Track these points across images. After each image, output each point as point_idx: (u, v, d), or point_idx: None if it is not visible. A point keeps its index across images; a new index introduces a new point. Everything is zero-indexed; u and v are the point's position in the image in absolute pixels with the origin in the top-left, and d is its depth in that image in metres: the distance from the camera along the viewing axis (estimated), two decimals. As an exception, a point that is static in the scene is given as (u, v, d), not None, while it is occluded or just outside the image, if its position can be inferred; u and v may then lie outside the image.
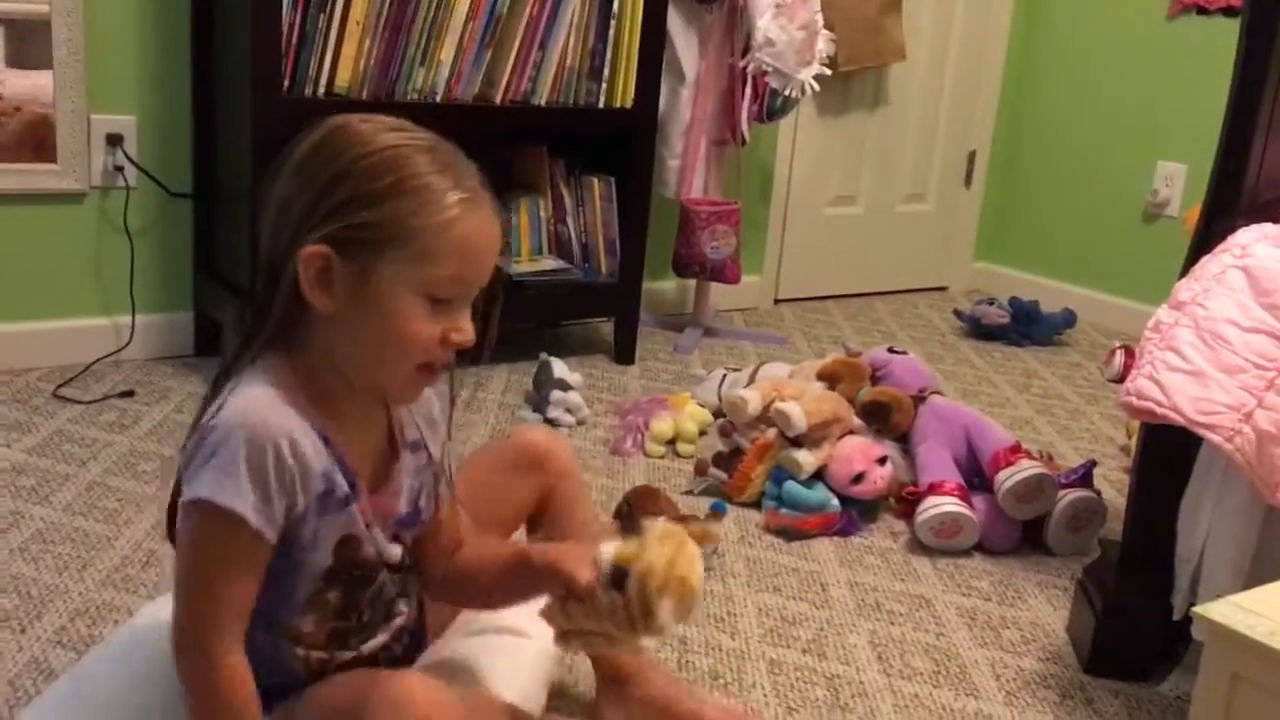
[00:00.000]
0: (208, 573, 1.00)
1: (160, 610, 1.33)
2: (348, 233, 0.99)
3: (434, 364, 1.06)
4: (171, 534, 1.07)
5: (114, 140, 2.43)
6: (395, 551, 1.15)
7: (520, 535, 1.39)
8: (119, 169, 2.44)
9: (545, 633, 1.18)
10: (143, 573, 1.68)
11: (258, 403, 1.00)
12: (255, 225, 2.20)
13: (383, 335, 1.02)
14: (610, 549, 1.11)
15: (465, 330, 1.05)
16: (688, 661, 1.59)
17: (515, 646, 1.28)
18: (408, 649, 1.22)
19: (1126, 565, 1.64)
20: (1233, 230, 1.50)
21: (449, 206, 1.00)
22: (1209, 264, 1.47)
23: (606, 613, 1.08)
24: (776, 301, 3.62)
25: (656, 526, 1.10)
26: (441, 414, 1.20)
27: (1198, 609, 1.06)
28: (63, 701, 1.19)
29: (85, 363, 2.44)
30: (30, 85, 2.37)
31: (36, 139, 2.36)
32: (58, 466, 1.99)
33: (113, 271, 2.49)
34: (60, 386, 2.33)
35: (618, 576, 1.08)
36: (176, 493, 1.04)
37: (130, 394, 2.34)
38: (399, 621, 1.19)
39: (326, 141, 1.02)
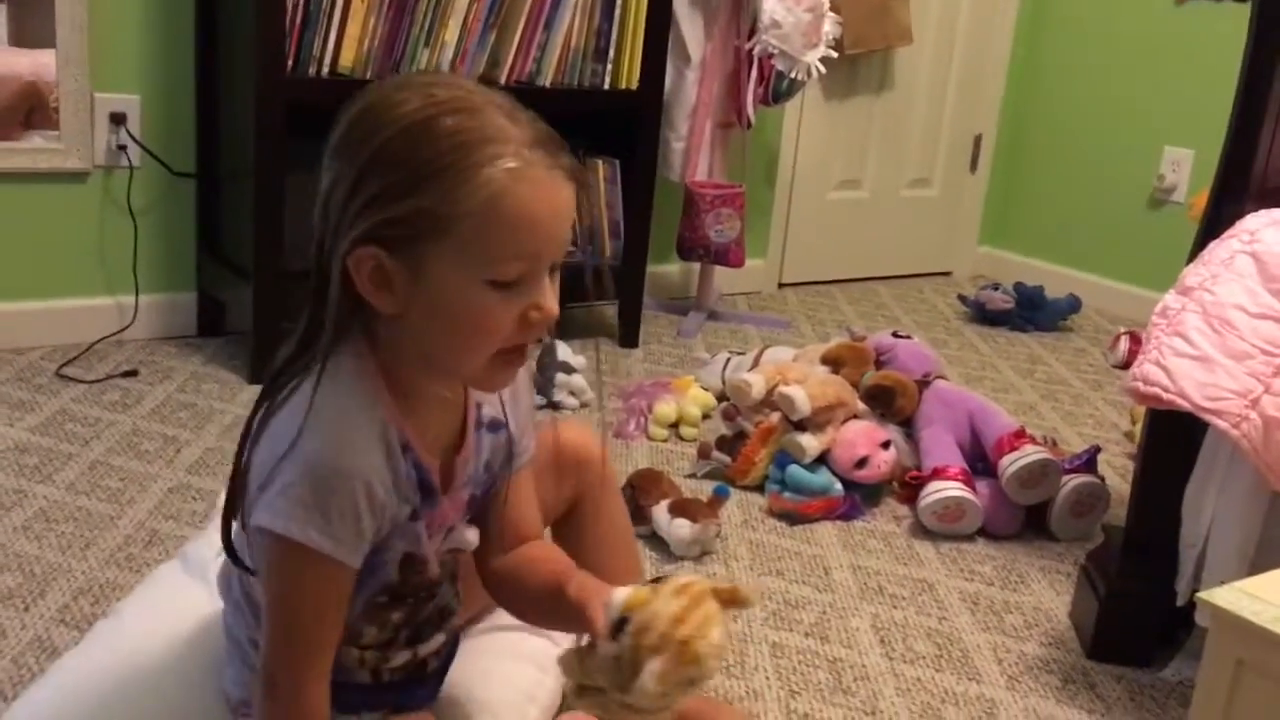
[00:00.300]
0: (302, 612, 0.96)
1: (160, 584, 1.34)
2: (389, 228, 0.90)
3: (516, 345, 0.96)
4: (229, 547, 1.03)
5: (117, 119, 2.42)
6: (472, 537, 1.10)
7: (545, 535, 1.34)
8: (122, 148, 2.43)
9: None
10: (145, 552, 1.68)
11: (343, 431, 0.94)
12: (260, 207, 2.24)
13: (454, 330, 0.93)
14: (624, 593, 0.99)
15: (546, 307, 0.94)
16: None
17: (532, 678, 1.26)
18: (450, 646, 1.20)
19: (1130, 550, 1.64)
20: (1241, 215, 1.49)
21: (485, 184, 0.89)
22: (1217, 249, 1.47)
23: (600, 665, 0.97)
24: (780, 286, 3.61)
25: (678, 578, 0.99)
26: (528, 395, 1.14)
27: (1202, 594, 1.05)
28: (70, 678, 1.19)
29: (88, 342, 2.44)
30: (31, 63, 2.36)
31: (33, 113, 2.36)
32: (60, 445, 1.99)
33: (116, 251, 2.48)
34: (63, 366, 2.33)
35: (619, 624, 0.97)
36: (231, 508, 1.00)
37: (133, 373, 2.34)
38: (455, 622, 1.17)
39: (356, 123, 0.92)
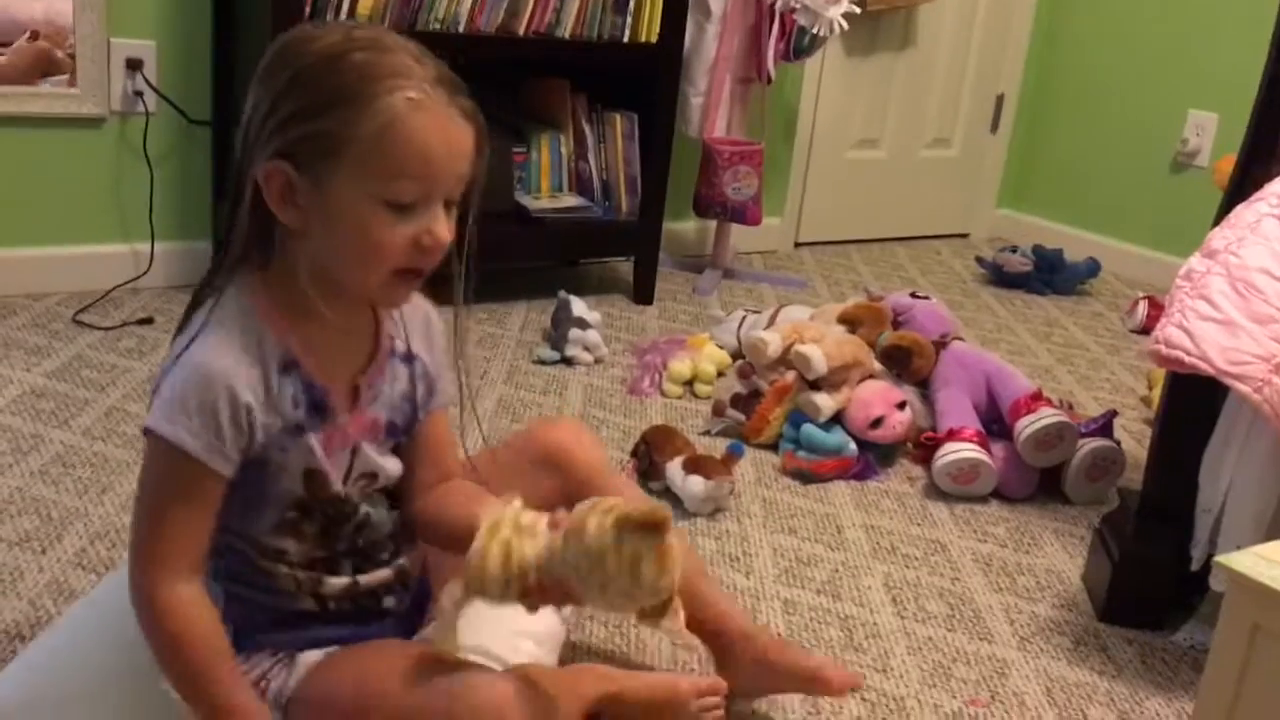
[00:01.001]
0: (152, 502, 1.02)
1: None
2: (297, 146, 0.98)
3: (412, 269, 1.03)
4: None
5: (134, 65, 2.41)
6: (392, 466, 1.14)
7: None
8: (138, 94, 2.42)
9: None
10: (162, 498, 1.69)
11: (220, 341, 1.01)
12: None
13: (351, 245, 1.00)
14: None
15: (436, 233, 1.01)
16: (702, 599, 1.59)
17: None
18: (416, 601, 1.20)
19: (1145, 514, 1.64)
20: (1269, 179, 1.47)
21: (385, 109, 0.97)
22: (1244, 212, 1.45)
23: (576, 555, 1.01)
24: (796, 245, 3.59)
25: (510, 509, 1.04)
26: (445, 339, 1.18)
27: (1220, 559, 1.05)
28: (86, 622, 1.20)
29: (104, 289, 2.44)
30: (45, 9, 2.34)
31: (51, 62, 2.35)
32: (77, 391, 2.00)
33: (132, 198, 2.48)
34: (79, 312, 2.33)
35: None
36: None
37: (149, 321, 2.34)
38: (403, 562, 1.17)
39: (278, 54, 1.01)
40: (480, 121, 1.03)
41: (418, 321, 1.16)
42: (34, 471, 1.72)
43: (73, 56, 2.36)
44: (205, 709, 1.02)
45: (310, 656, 1.10)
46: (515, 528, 1.02)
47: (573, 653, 1.42)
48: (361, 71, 0.97)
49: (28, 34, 2.33)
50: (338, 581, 1.12)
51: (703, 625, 1.30)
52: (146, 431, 1.01)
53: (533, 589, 1.03)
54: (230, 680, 1.03)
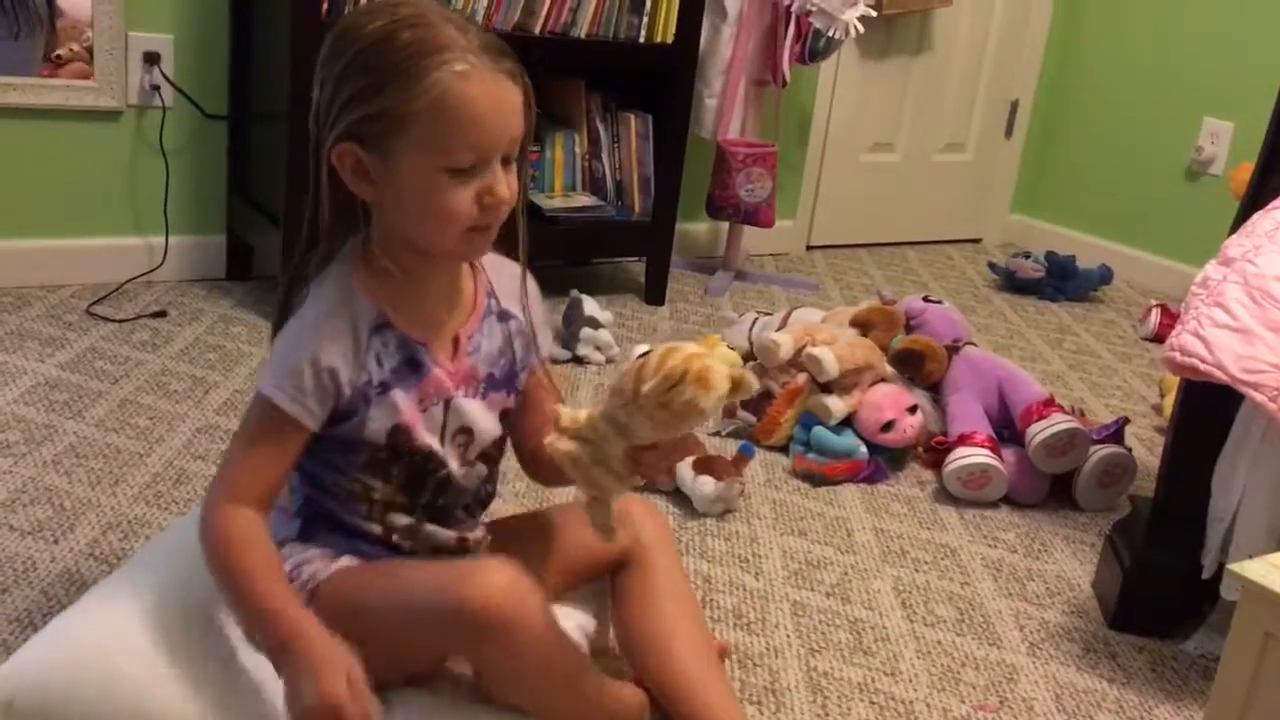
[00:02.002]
0: (240, 441, 1.11)
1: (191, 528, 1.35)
2: (361, 126, 1.06)
3: (481, 226, 1.10)
4: None
5: (151, 59, 2.41)
6: (488, 424, 1.19)
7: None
8: (155, 88, 2.43)
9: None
10: (174, 490, 1.69)
11: (314, 311, 1.11)
12: (293, 151, 2.23)
13: (422, 213, 1.08)
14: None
15: (498, 191, 1.08)
16: (711, 600, 1.59)
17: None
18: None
19: (1157, 522, 1.63)
20: (1287, 187, 1.47)
21: (435, 84, 1.03)
22: (1261, 220, 1.44)
23: (618, 389, 1.10)
24: (809, 248, 3.59)
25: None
26: (537, 297, 1.25)
27: (1233, 567, 1.05)
28: (95, 612, 1.20)
29: (118, 281, 2.45)
30: (67, 4, 2.35)
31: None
32: (90, 383, 2.01)
33: (147, 191, 2.49)
34: (93, 304, 2.34)
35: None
36: None
37: (162, 314, 2.35)
38: (469, 534, 1.22)
39: (334, 42, 1.08)
40: (526, 82, 1.10)
41: (505, 281, 1.22)
42: (47, 462, 1.73)
43: (90, 49, 2.37)
44: (250, 612, 1.06)
45: (349, 559, 1.15)
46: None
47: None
48: (410, 49, 1.04)
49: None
50: (404, 519, 1.17)
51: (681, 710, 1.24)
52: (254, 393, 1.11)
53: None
54: (278, 587, 1.05)
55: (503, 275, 1.22)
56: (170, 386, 2.03)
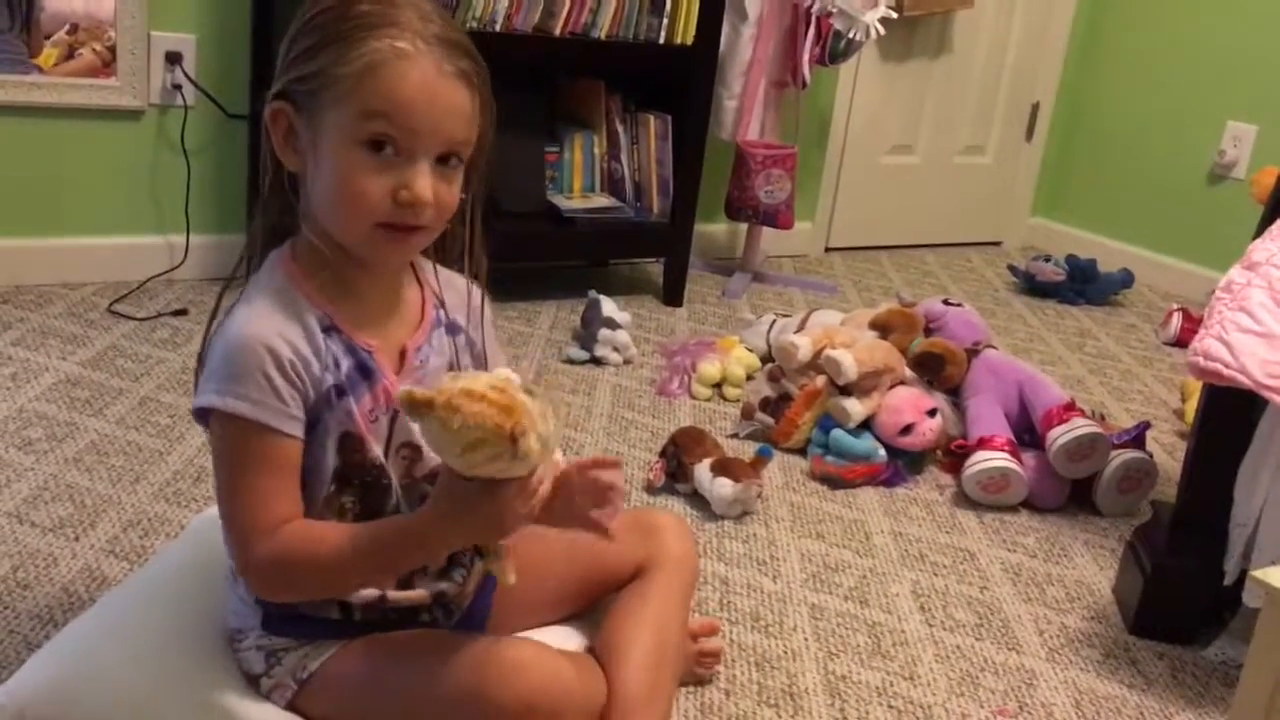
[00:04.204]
0: (228, 478, 1.01)
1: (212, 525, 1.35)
2: (295, 86, 1.01)
3: (394, 224, 1.01)
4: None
5: (173, 58, 2.43)
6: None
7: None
8: (177, 87, 2.44)
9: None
10: (194, 487, 1.70)
11: (253, 310, 1.01)
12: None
13: (334, 191, 1.01)
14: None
15: (415, 188, 0.99)
16: (729, 602, 1.59)
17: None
18: (468, 622, 1.15)
19: (1178, 527, 1.62)
20: (1313, 190, 1.46)
21: (370, 51, 0.98)
22: (1286, 224, 1.43)
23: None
24: (827, 250, 3.58)
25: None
26: (490, 318, 1.18)
27: (1256, 573, 1.04)
28: (115, 613, 1.20)
29: (140, 280, 2.46)
30: (84, 2, 2.36)
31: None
32: (111, 380, 2.02)
33: (169, 190, 2.50)
34: (115, 302, 2.35)
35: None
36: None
37: (183, 312, 2.36)
38: (444, 586, 1.11)
39: (301, 9, 1.04)
40: (480, 88, 1.03)
41: (455, 296, 1.15)
42: (68, 459, 1.74)
43: (113, 49, 2.38)
44: (383, 566, 1.02)
45: (332, 644, 1.08)
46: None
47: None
48: (361, 19, 1.00)
49: (67, 27, 2.35)
50: (365, 593, 1.07)
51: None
52: (198, 414, 1.01)
53: None
54: (364, 533, 1.00)
55: (454, 290, 1.14)
56: (190, 384, 2.03)
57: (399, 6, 1.01)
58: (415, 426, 1.06)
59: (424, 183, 1.00)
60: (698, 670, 1.39)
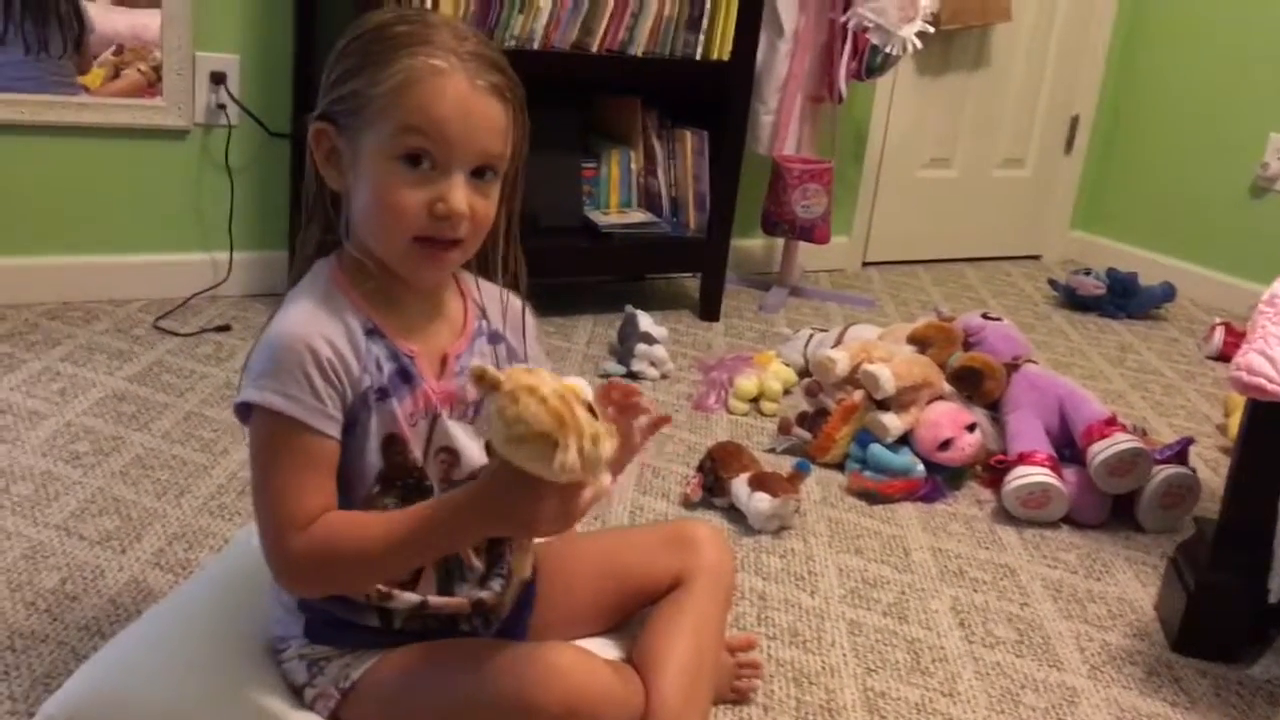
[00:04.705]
0: (263, 475, 1.02)
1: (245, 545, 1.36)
2: (335, 107, 1.05)
3: (432, 238, 1.04)
4: None
5: (217, 78, 2.47)
6: (474, 451, 1.11)
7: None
8: (221, 107, 2.48)
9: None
10: (238, 501, 1.72)
11: (298, 310, 1.04)
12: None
13: (373, 206, 1.03)
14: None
15: (450, 201, 1.02)
16: (767, 617, 1.59)
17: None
18: (508, 630, 1.16)
19: (1222, 544, 1.60)
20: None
21: (405, 69, 1.01)
22: (1330, 237, 1.42)
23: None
24: (864, 264, 3.57)
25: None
26: (534, 328, 1.20)
27: (1303, 591, 1.03)
28: (161, 625, 1.22)
29: (183, 296, 2.50)
30: (129, 23, 2.41)
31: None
32: (157, 395, 2.05)
33: (213, 208, 2.54)
34: (160, 318, 2.39)
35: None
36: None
37: (227, 328, 2.39)
38: (484, 594, 1.13)
39: (343, 35, 1.07)
40: (513, 102, 1.05)
41: (497, 306, 1.16)
42: (115, 472, 1.77)
43: (158, 70, 2.43)
44: (418, 551, 1.02)
45: (373, 654, 1.09)
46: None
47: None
48: (397, 40, 1.03)
49: (114, 48, 2.40)
50: (407, 598, 1.09)
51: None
52: (239, 410, 1.03)
53: None
54: (399, 519, 1.01)
55: (495, 301, 1.16)
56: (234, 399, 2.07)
57: (434, 26, 1.04)
58: (454, 432, 1.09)
59: (459, 195, 1.02)
60: (738, 684, 1.39)
